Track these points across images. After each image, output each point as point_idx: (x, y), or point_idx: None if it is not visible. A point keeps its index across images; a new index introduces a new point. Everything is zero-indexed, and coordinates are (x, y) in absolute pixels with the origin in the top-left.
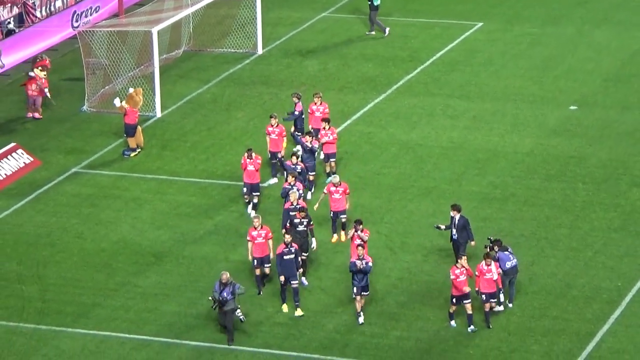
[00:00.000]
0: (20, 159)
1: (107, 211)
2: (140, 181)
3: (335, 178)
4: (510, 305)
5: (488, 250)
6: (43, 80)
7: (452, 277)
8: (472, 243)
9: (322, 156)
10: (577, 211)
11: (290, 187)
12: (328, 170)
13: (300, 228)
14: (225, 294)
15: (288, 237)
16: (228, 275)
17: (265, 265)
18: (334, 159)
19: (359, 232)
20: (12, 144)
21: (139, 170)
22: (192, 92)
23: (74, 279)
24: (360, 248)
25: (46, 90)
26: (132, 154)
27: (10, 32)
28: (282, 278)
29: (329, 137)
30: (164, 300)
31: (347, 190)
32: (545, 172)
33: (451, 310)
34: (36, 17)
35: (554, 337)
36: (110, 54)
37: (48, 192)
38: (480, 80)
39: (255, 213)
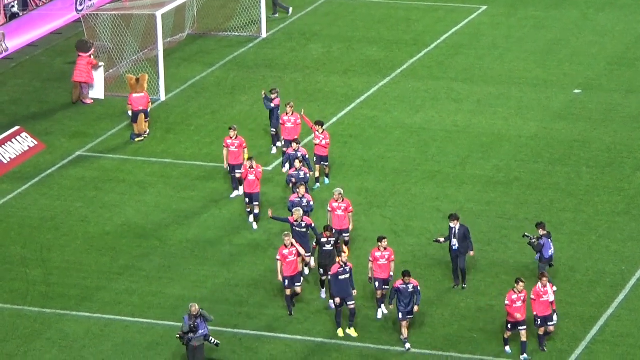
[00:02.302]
0: (25, 142)
1: (112, 195)
2: (145, 165)
3: (338, 190)
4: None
5: (530, 241)
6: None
7: (507, 302)
8: (471, 253)
9: (281, 144)
10: (581, 195)
11: (299, 199)
12: (317, 175)
13: (327, 248)
14: (198, 322)
15: (313, 261)
16: (197, 306)
17: (297, 285)
18: (326, 163)
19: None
20: (17, 128)
21: (143, 154)
22: (196, 75)
23: (78, 262)
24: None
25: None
26: (137, 139)
27: (14, 16)
28: (337, 300)
29: (321, 141)
30: (168, 284)
31: (350, 208)
32: (550, 156)
33: (506, 336)
34: (40, 0)
35: (559, 320)
36: (114, 38)
37: (52, 175)
38: (484, 63)
39: (257, 224)
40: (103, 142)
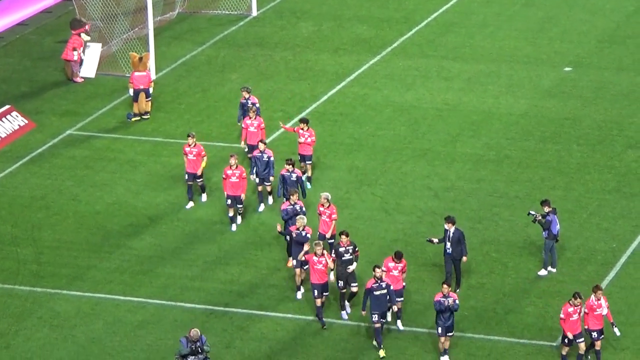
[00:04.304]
0: (15, 121)
1: (102, 173)
2: (135, 143)
3: (325, 195)
4: (554, 270)
5: (535, 218)
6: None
7: (562, 316)
8: (464, 259)
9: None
10: (572, 173)
11: (292, 207)
12: (302, 172)
13: (346, 257)
14: (198, 344)
15: (335, 272)
16: (198, 332)
17: (325, 294)
18: (310, 162)
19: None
20: (7, 106)
21: (134, 133)
22: (186, 54)
23: (69, 241)
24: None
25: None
26: (133, 119)
27: None
28: (375, 316)
29: (305, 139)
30: (159, 263)
31: (334, 215)
32: (540, 134)
33: (564, 352)
34: None
35: (549, 298)
36: (104, 16)
37: (43, 154)
38: (474, 41)
39: (236, 225)
40: (94, 120)
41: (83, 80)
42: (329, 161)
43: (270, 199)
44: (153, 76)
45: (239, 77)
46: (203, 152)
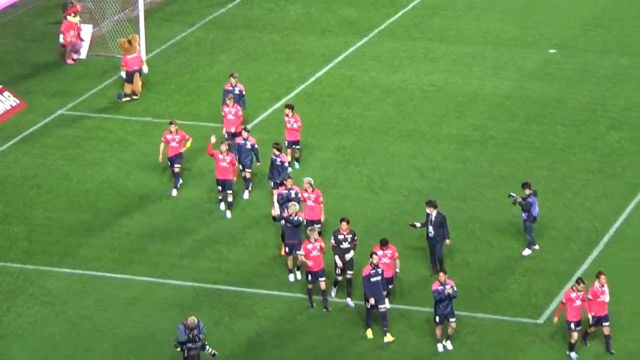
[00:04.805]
0: (7, 101)
1: (93, 153)
2: (125, 123)
3: (307, 180)
4: (530, 251)
5: (515, 200)
6: (78, 25)
7: (564, 300)
8: (447, 242)
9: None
10: (556, 153)
11: (287, 192)
12: (290, 158)
13: (345, 245)
14: (196, 332)
15: (338, 260)
16: (195, 319)
17: (320, 280)
18: (297, 147)
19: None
20: None
21: (124, 113)
22: (176, 35)
23: (60, 219)
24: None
25: (81, 34)
26: (124, 99)
27: None
28: (372, 301)
29: (292, 124)
30: (149, 240)
31: (321, 199)
32: (525, 115)
33: (572, 341)
34: None
35: (533, 276)
36: None
37: (34, 134)
38: (460, 24)
39: (230, 212)
40: (84, 101)
41: (74, 62)
42: (316, 141)
43: (246, 193)
44: (143, 57)
45: (228, 59)
46: (186, 136)
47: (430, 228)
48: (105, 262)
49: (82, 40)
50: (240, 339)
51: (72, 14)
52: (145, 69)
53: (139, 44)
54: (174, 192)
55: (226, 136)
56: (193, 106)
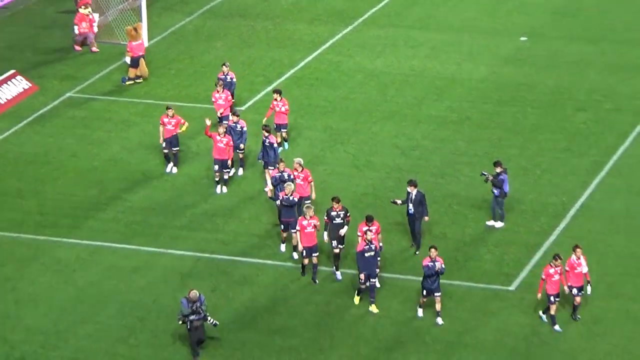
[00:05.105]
0: (20, 84)
1: (99, 132)
2: (129, 105)
3: (297, 160)
4: (503, 224)
5: (487, 178)
6: (90, 16)
7: (543, 277)
8: (426, 218)
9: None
10: (527, 133)
11: (280, 174)
12: (279, 140)
13: (337, 221)
14: (198, 304)
15: (326, 236)
16: (197, 292)
17: (314, 255)
18: (285, 130)
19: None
20: (12, 71)
21: (128, 95)
22: (176, 24)
23: (69, 194)
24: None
25: (95, 25)
26: (128, 82)
27: None
28: (362, 276)
29: (280, 108)
30: (151, 213)
31: (310, 178)
32: (498, 98)
33: (552, 312)
34: None
35: (505, 247)
36: None
37: (45, 115)
38: (439, 13)
39: (226, 188)
40: (91, 84)
41: (97, 50)
42: (305, 122)
43: (240, 170)
44: (146, 44)
45: (224, 45)
46: (182, 121)
47: (411, 205)
48: (110, 234)
49: (94, 32)
50: (235, 305)
51: (83, 6)
52: (127, 60)
53: (142, 31)
54: (174, 170)
55: (217, 120)
56: (192, 89)
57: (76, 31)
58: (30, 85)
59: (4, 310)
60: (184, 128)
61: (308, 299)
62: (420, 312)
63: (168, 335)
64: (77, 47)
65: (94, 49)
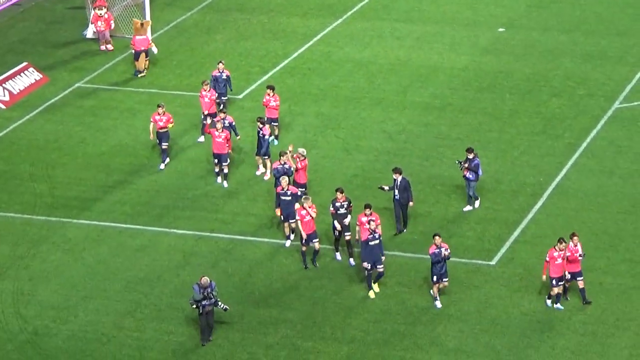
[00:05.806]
0: (32, 75)
1: (106, 120)
2: (134, 94)
3: (301, 150)
4: (478, 202)
5: (462, 167)
6: (105, 16)
7: (547, 259)
8: (411, 204)
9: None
10: (505, 118)
11: (282, 166)
12: (270, 132)
13: (342, 211)
14: (209, 290)
15: (337, 224)
16: (208, 279)
17: (314, 241)
18: (276, 124)
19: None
20: (24, 63)
21: (133, 85)
22: (177, 18)
23: (78, 177)
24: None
25: (112, 23)
26: (140, 75)
27: None
28: (365, 264)
29: (272, 103)
30: (155, 195)
31: (306, 165)
32: (478, 85)
33: (552, 293)
34: None
35: (486, 224)
36: None
37: (55, 104)
38: (422, 6)
39: (226, 183)
40: (99, 75)
41: (106, 49)
42: (299, 109)
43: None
44: (150, 36)
45: (222, 38)
46: (171, 119)
47: (396, 191)
48: (117, 215)
49: (111, 28)
50: (234, 280)
51: (98, 8)
52: (155, 50)
53: (149, 29)
54: (162, 166)
55: (202, 116)
56: (192, 79)
57: (93, 30)
58: (42, 76)
59: (18, 287)
60: (170, 126)
61: (302, 274)
62: (437, 304)
63: (171, 309)
64: (102, 47)
65: (109, 46)
